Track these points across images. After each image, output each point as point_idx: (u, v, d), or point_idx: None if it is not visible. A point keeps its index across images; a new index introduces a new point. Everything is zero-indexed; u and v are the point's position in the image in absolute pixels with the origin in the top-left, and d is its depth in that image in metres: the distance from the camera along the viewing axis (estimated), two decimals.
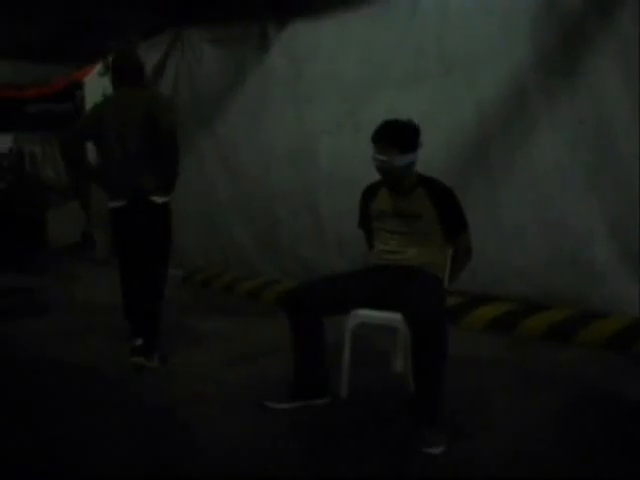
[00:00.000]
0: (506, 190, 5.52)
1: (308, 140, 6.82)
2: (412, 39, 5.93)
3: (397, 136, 3.64)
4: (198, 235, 8.25)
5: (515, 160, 5.44)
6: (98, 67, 9.84)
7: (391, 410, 3.72)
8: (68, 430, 3.54)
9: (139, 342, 4.60)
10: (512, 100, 5.42)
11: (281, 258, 7.28)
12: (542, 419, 3.60)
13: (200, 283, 7.87)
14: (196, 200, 8.26)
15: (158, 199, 4.67)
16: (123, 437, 3.45)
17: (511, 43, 5.34)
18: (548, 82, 5.24)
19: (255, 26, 7.30)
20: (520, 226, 5.46)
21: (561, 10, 5.12)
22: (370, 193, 3.97)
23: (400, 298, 3.52)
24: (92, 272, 8.55)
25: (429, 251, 3.74)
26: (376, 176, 3.85)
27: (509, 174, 5.48)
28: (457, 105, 5.66)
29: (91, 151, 5.21)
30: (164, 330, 5.46)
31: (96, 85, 8.14)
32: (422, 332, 3.24)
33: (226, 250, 7.97)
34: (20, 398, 4.04)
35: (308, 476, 3.09)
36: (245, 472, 3.09)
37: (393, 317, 3.61)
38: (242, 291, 7.24)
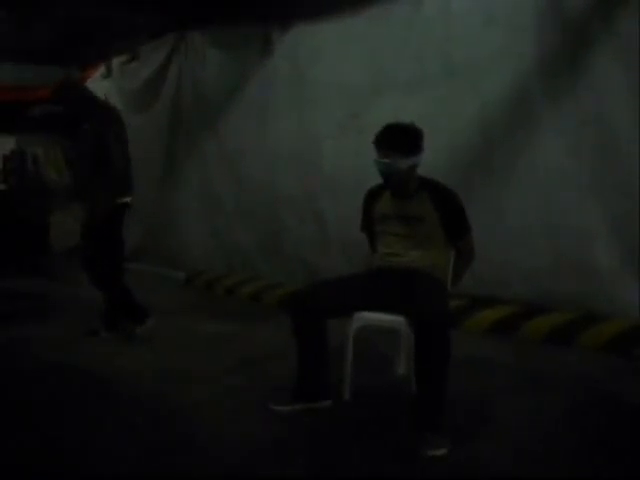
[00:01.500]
0: (509, 192, 5.52)
1: (311, 144, 6.84)
2: (415, 43, 5.95)
3: (399, 139, 3.65)
4: (201, 237, 8.27)
5: (518, 163, 5.44)
6: (101, 70, 9.86)
7: (394, 412, 3.72)
8: (68, 432, 3.54)
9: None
10: (515, 103, 5.42)
11: (285, 261, 7.29)
12: (544, 420, 3.60)
13: (202, 285, 7.88)
14: (199, 202, 8.29)
15: None
16: (123, 439, 3.44)
17: (514, 47, 5.35)
18: (551, 85, 5.25)
19: (258, 29, 7.32)
20: (523, 228, 5.46)
21: (564, 13, 5.13)
22: (373, 196, 3.98)
23: (403, 300, 3.53)
24: None
25: (431, 254, 3.75)
26: (378, 179, 3.85)
27: (512, 177, 5.49)
28: (460, 109, 5.67)
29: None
30: (166, 332, 5.49)
31: (98, 87, 8.14)
32: (425, 334, 3.24)
33: (229, 253, 7.98)
34: (20, 400, 4.03)
35: (310, 478, 3.09)
36: (246, 474, 3.09)
37: (396, 319, 3.62)
38: (245, 294, 7.24)
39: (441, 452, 3.16)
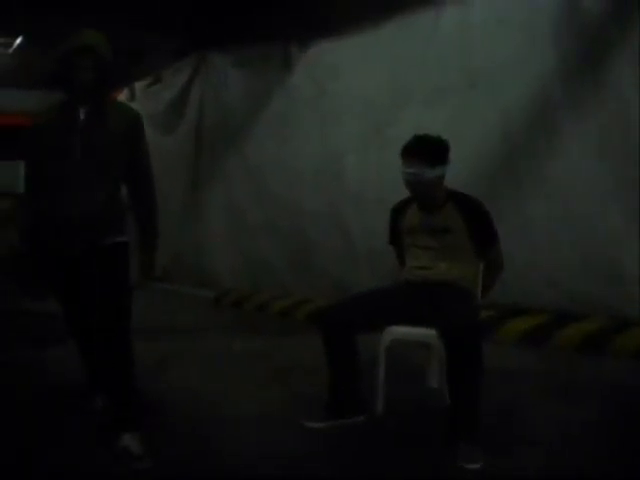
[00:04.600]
0: (534, 200, 5.50)
1: (335, 159, 6.86)
2: (435, 54, 5.96)
3: (427, 149, 3.65)
4: (228, 256, 8.31)
5: (542, 170, 5.42)
6: (124, 93, 9.97)
7: (427, 426, 3.70)
8: (98, 449, 3.53)
9: None
10: (537, 110, 5.42)
11: (312, 276, 7.30)
12: (579, 431, 3.56)
13: (232, 304, 7.90)
14: (225, 221, 8.33)
15: None
16: (154, 456, 3.43)
17: (534, 54, 5.35)
18: (572, 91, 5.24)
19: (278, 48, 7.37)
20: (550, 236, 5.43)
21: (583, 20, 5.12)
22: (400, 210, 3.97)
23: (433, 313, 3.51)
24: None
25: (460, 265, 3.73)
26: (403, 193, 3.85)
27: (537, 184, 5.47)
28: (483, 118, 5.67)
29: None
30: (198, 350, 5.49)
31: None
32: (457, 347, 3.23)
33: (257, 270, 8.01)
34: (44, 418, 4.04)
35: None
36: None
37: (427, 333, 3.59)
38: (274, 310, 7.25)
39: (476, 465, 3.13)
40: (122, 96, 9.97)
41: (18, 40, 9.20)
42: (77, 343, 3.76)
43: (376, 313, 3.71)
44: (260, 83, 7.69)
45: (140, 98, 9.66)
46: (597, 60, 5.09)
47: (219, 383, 4.69)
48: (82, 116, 3.37)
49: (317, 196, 7.10)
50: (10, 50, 9.72)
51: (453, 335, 3.26)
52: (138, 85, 9.71)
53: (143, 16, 7.57)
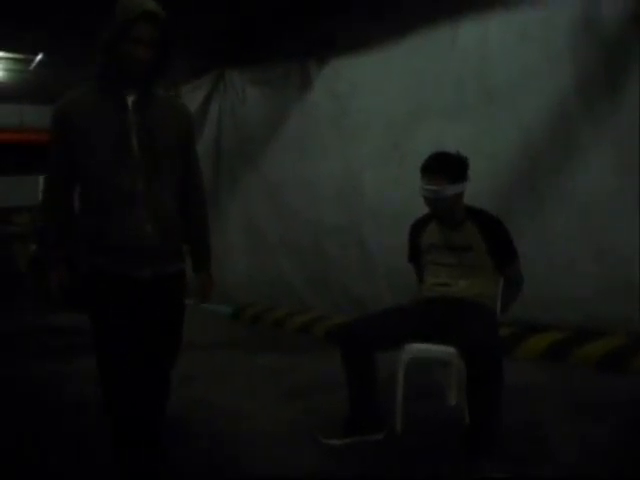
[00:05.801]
0: (554, 216, 5.47)
1: (353, 175, 6.85)
2: (453, 70, 5.95)
3: (447, 166, 3.66)
4: (246, 271, 8.31)
5: (562, 186, 5.39)
6: None
7: (446, 443, 3.67)
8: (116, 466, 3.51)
9: None
10: (556, 126, 5.39)
11: (330, 292, 7.28)
12: (598, 449, 3.53)
13: (249, 319, 7.90)
14: (243, 237, 8.34)
15: None
16: (173, 472, 3.42)
17: (552, 69, 5.33)
18: (591, 106, 5.21)
19: (296, 65, 7.40)
20: (569, 252, 5.39)
21: (601, 33, 5.10)
22: (419, 227, 3.98)
23: (453, 331, 3.51)
24: None
25: (480, 282, 3.73)
26: (422, 209, 3.85)
27: (556, 200, 5.44)
28: (501, 133, 5.65)
29: None
30: (216, 365, 5.48)
31: None
32: (476, 364, 3.22)
33: (275, 286, 7.99)
34: (63, 434, 4.04)
35: None
36: None
37: (446, 350, 3.59)
38: (292, 326, 7.24)
39: None
40: None
41: (38, 57, 9.26)
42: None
43: (395, 330, 3.71)
44: (279, 100, 7.71)
45: None
46: (615, 75, 5.08)
47: (236, 399, 4.69)
48: (130, 107, 2.70)
49: (336, 212, 7.09)
50: (31, 67, 9.79)
51: (473, 353, 3.25)
52: None
53: None
